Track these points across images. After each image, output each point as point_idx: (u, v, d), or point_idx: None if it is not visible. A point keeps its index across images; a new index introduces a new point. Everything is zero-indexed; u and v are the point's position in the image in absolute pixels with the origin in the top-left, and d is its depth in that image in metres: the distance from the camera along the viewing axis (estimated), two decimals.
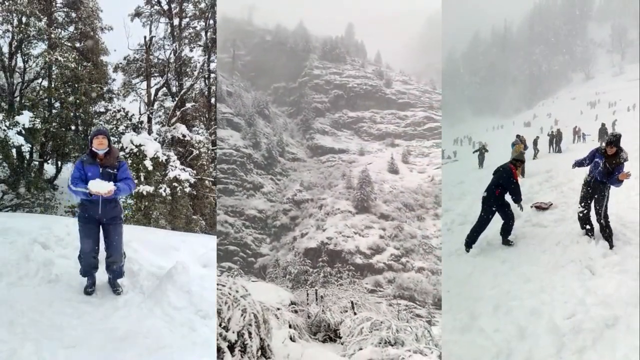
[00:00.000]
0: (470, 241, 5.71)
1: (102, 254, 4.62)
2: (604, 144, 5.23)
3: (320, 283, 11.25)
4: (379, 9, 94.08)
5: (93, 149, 4.29)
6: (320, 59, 66.67)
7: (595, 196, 5.17)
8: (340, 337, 6.01)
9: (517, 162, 5.91)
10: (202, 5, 15.55)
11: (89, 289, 4.51)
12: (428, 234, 38.74)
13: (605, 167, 4.99)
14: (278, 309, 6.24)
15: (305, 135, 56.43)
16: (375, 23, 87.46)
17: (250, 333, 3.81)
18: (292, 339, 5.26)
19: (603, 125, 17.95)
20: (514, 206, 5.85)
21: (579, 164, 5.52)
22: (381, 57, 72.96)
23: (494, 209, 5.65)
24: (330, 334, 6.41)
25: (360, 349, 4.83)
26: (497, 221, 5.78)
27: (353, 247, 37.47)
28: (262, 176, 46.23)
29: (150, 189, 10.75)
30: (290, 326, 5.84)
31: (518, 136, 11.64)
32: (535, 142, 15.22)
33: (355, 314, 6.80)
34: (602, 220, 5.10)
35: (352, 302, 8.04)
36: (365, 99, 61.04)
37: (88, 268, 4.49)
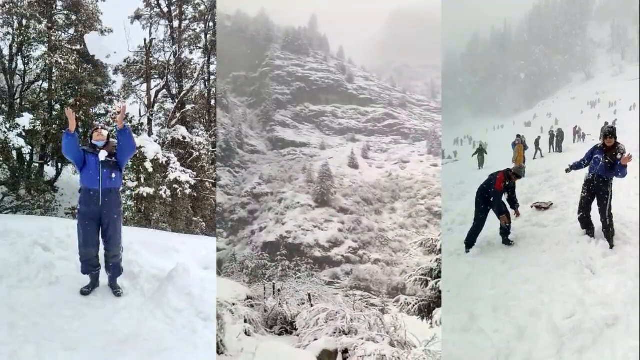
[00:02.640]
0: (469, 242, 5.72)
1: (101, 254, 4.64)
2: (600, 141, 5.26)
3: (278, 277, 11.26)
4: (343, 3, 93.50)
5: (93, 141, 4.51)
6: (282, 50, 65.89)
7: (599, 194, 5.12)
8: (296, 329, 6.05)
9: (513, 174, 5.71)
10: (202, 7, 15.58)
11: (85, 289, 4.52)
12: (384, 227, 39.26)
13: (606, 161, 4.99)
14: (233, 304, 6.22)
15: (266, 127, 55.99)
16: (338, 17, 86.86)
17: None
18: (247, 334, 5.33)
19: (606, 124, 17.91)
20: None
21: (576, 166, 5.51)
22: (344, 51, 72.79)
23: (488, 208, 5.66)
24: (286, 327, 6.46)
25: (315, 339, 4.92)
26: (497, 221, 5.79)
27: (312, 240, 37.80)
28: (220, 168, 45.90)
29: (151, 190, 10.76)
30: (245, 321, 5.85)
31: (518, 136, 11.65)
32: (537, 143, 15.23)
33: (312, 305, 6.86)
34: (606, 220, 5.06)
35: (309, 295, 8.08)
36: (327, 93, 60.95)
37: (88, 265, 4.51)
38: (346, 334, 4.96)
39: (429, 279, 5.14)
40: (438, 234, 5.50)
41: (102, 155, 4.40)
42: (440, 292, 4.93)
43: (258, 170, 47.89)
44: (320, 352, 4.53)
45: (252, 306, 6.89)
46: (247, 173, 48.04)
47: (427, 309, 5.10)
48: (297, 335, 5.73)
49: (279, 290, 8.53)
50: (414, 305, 5.22)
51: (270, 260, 12.78)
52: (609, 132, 5.08)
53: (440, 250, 5.19)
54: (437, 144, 52.24)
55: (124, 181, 9.76)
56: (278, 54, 64.88)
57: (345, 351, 4.61)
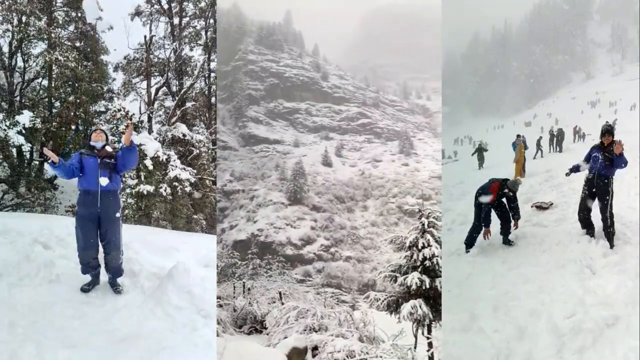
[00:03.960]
0: (469, 242, 5.73)
1: (100, 255, 4.62)
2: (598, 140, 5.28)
3: (248, 275, 11.20)
4: (318, 0, 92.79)
5: (91, 142, 4.48)
6: (255, 44, 65.05)
7: (600, 193, 5.12)
8: (266, 328, 6.03)
9: (507, 189, 5.61)
10: (202, 4, 15.52)
11: (86, 287, 4.52)
12: (356, 225, 39.43)
13: (605, 158, 5.03)
14: None
15: (238, 123, 55.43)
16: (314, 14, 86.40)
17: None
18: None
19: (607, 123, 17.87)
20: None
21: (576, 168, 5.52)
22: (319, 49, 72.09)
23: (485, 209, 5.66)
24: (256, 326, 6.45)
25: (285, 337, 4.93)
26: (497, 221, 5.79)
27: (284, 238, 37.75)
28: None
29: (151, 188, 10.75)
30: None
31: (519, 136, 11.65)
32: (538, 143, 15.24)
33: (282, 304, 6.86)
34: (607, 219, 5.07)
35: (280, 293, 8.07)
36: (301, 90, 60.42)
37: (88, 267, 4.49)
38: (316, 331, 4.98)
39: (397, 275, 5.18)
40: (407, 231, 5.49)
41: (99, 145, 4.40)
42: (408, 287, 4.97)
43: (229, 167, 47.40)
44: (289, 350, 4.51)
45: (220, 306, 6.85)
46: (218, 170, 48.12)
47: (395, 304, 5.16)
48: (267, 334, 5.70)
49: (249, 289, 8.48)
50: (383, 301, 5.27)
51: (241, 259, 12.63)
52: (607, 130, 5.15)
53: (409, 247, 5.21)
54: (408, 144, 52.64)
55: (123, 179, 9.76)
56: (251, 48, 63.99)
57: (315, 348, 4.60)
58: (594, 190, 5.20)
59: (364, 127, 57.30)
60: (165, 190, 11.12)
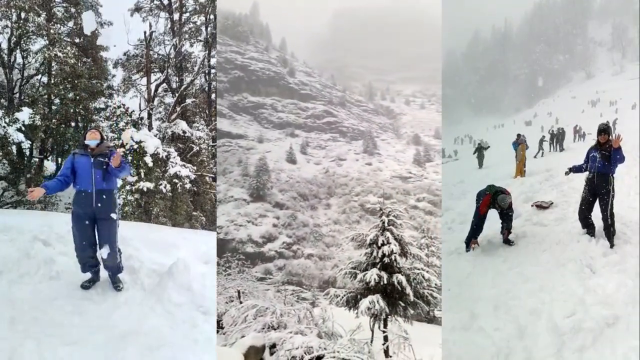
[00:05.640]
0: (469, 240, 5.73)
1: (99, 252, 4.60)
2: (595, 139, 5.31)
3: None
4: None
5: (86, 141, 4.39)
6: (220, 34, 65.35)
7: (600, 192, 5.13)
8: (222, 328, 5.97)
9: (497, 204, 5.58)
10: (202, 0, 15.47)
11: (86, 284, 4.51)
12: (319, 223, 39.31)
13: (602, 156, 5.07)
14: None
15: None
16: (282, 8, 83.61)
17: None
18: None
19: (607, 122, 17.86)
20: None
21: (577, 169, 5.53)
22: (286, 44, 70.82)
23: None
24: None
25: (243, 336, 4.88)
26: (497, 220, 5.79)
27: (245, 235, 37.30)
28: None
29: (151, 185, 10.74)
30: None
31: (519, 135, 11.63)
32: (540, 142, 15.25)
33: (241, 302, 6.78)
34: (608, 218, 5.07)
35: (238, 291, 7.97)
36: (267, 85, 59.28)
37: (86, 266, 4.48)
38: (275, 329, 4.94)
39: (358, 271, 5.21)
40: (368, 229, 5.50)
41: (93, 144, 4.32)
42: (367, 283, 5.01)
43: None
44: (246, 349, 4.46)
45: None
46: None
47: (354, 300, 5.20)
48: (224, 334, 5.62)
49: None
50: (342, 297, 5.30)
51: None
52: (603, 129, 5.19)
53: (370, 244, 5.23)
54: (372, 144, 52.81)
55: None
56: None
57: (273, 346, 4.56)
58: (594, 189, 5.21)
59: (329, 125, 56.98)
60: (165, 187, 11.11)
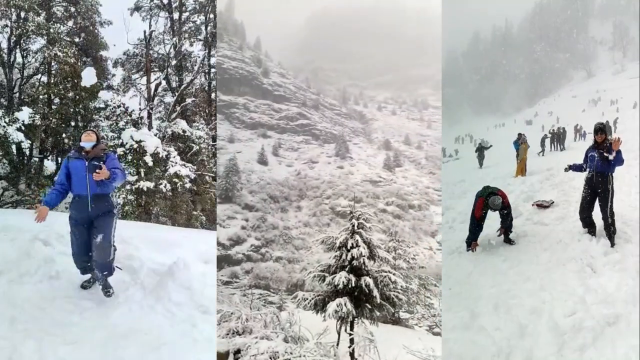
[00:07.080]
0: (470, 242, 5.73)
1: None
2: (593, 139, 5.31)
3: None
4: None
5: (81, 143, 4.35)
6: None
7: (600, 191, 5.13)
8: None
9: (489, 205, 5.59)
10: None
11: (86, 283, 4.50)
12: (289, 225, 38.88)
13: (600, 155, 5.08)
14: None
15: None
16: (258, 8, 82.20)
17: None
18: None
19: (607, 122, 17.86)
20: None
21: (577, 168, 5.53)
22: (261, 43, 70.26)
23: (487, 209, 5.69)
24: None
25: None
26: (498, 220, 5.78)
27: None
28: None
29: (151, 184, 10.73)
30: None
31: (520, 134, 11.62)
32: (542, 141, 15.24)
33: None
34: (608, 218, 5.07)
35: None
36: (240, 84, 58.51)
37: (85, 269, 4.46)
38: (240, 335, 4.84)
39: (326, 274, 5.18)
40: (338, 231, 5.47)
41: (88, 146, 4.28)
42: (335, 286, 4.97)
43: None
44: None
45: None
46: None
47: (322, 303, 5.16)
48: None
49: None
50: (310, 301, 5.25)
51: None
52: (599, 129, 5.22)
53: (339, 247, 5.20)
54: (344, 147, 53.09)
55: None
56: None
57: (238, 352, 4.46)
58: (594, 188, 5.20)
59: (302, 127, 56.45)
60: (165, 187, 11.10)
